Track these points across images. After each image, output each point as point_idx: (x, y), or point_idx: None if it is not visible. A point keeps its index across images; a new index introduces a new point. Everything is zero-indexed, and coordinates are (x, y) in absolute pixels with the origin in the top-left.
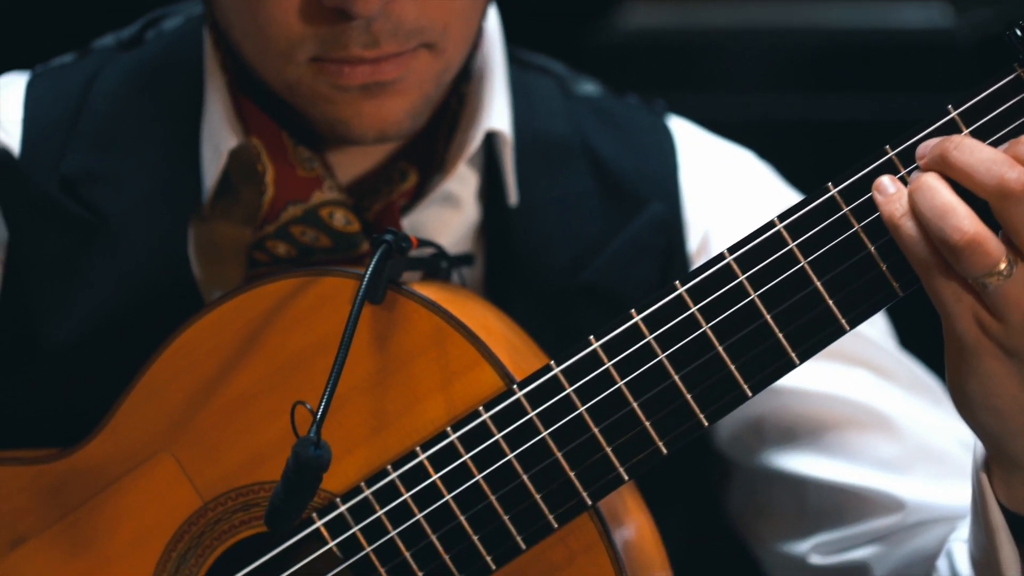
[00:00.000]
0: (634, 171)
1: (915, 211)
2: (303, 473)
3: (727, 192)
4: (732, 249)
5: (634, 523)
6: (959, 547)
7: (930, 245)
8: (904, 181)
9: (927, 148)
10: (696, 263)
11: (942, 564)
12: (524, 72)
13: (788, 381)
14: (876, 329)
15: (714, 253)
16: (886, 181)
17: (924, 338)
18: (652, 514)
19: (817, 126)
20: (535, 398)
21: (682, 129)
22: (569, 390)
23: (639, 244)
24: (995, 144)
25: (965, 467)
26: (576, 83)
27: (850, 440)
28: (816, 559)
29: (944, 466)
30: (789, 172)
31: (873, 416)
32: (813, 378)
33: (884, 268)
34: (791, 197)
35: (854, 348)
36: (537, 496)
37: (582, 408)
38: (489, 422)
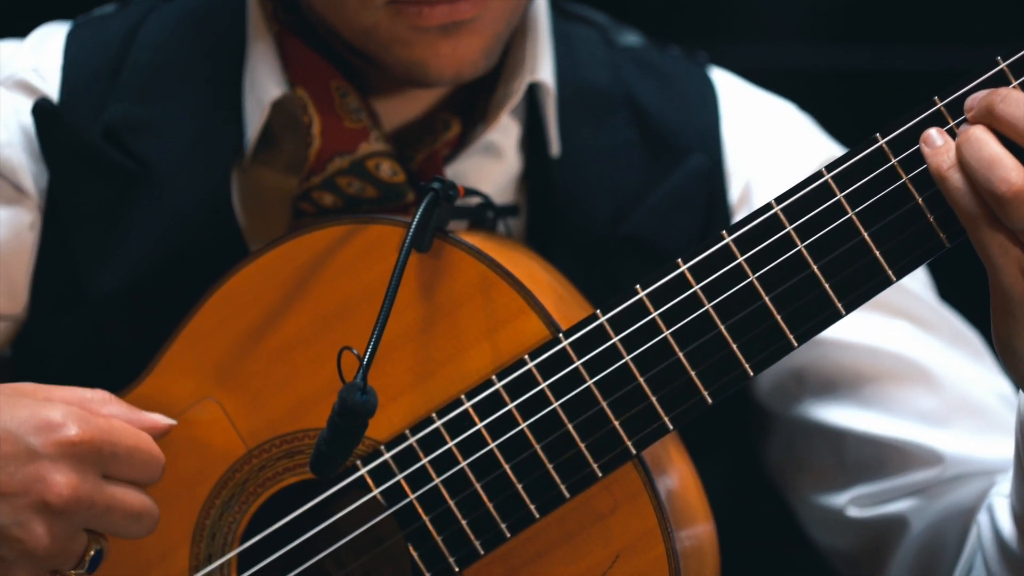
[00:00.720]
0: (676, 122)
1: (962, 163)
2: (349, 418)
3: (768, 143)
4: (779, 199)
5: (677, 473)
6: (1000, 502)
7: (977, 197)
8: (952, 133)
9: (975, 100)
10: (737, 215)
11: (983, 519)
12: (567, 22)
13: (829, 332)
14: (917, 282)
15: (756, 205)
16: (933, 133)
17: (967, 293)
18: (694, 463)
19: (855, 76)
20: (581, 347)
21: (724, 80)
22: (615, 339)
23: (681, 195)
24: None
25: (1005, 421)
26: (618, 34)
27: (889, 392)
28: (854, 512)
29: (984, 420)
30: (828, 123)
31: (913, 368)
32: (854, 330)
33: (931, 219)
34: (832, 148)
35: (896, 300)
36: (581, 445)
37: (627, 357)
38: (534, 370)
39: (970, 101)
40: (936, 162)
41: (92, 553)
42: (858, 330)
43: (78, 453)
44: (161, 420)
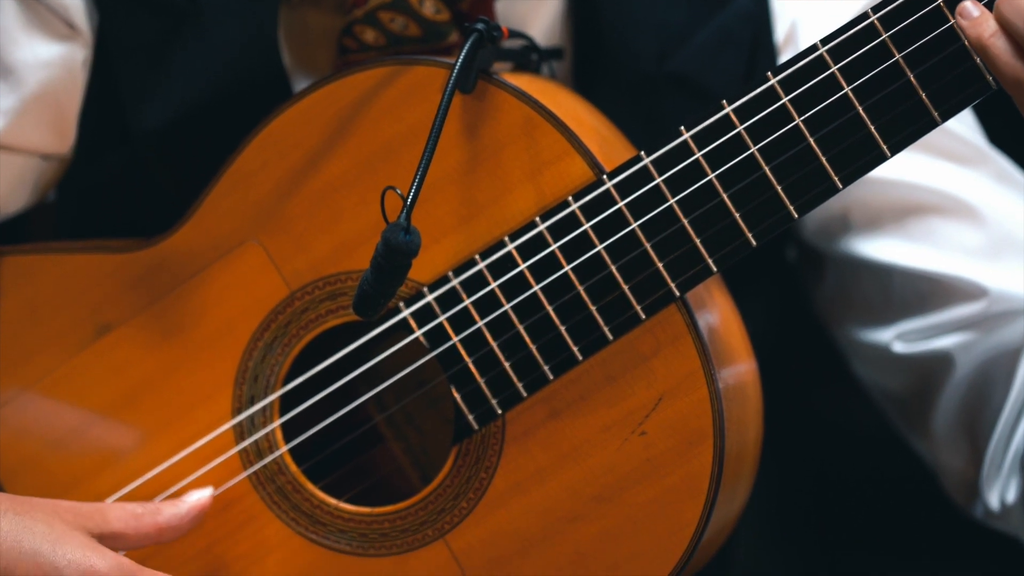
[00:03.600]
0: None
1: (1005, 24)
2: (392, 258)
3: None
4: (825, 40)
5: (720, 314)
6: None
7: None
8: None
9: None
10: (783, 55)
11: None
12: None
13: (875, 171)
14: (964, 124)
15: (801, 45)
16: (969, 5)
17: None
18: (735, 300)
19: None
20: (625, 188)
21: None
22: (659, 180)
23: (726, 34)
24: None
25: None
26: None
27: (934, 227)
28: (899, 348)
29: None
30: None
31: (958, 204)
32: (898, 168)
33: (978, 61)
34: None
35: (941, 141)
36: (625, 287)
37: (672, 200)
38: (578, 212)
39: None
40: (976, 32)
41: None
42: (902, 168)
43: None
44: (202, 499)
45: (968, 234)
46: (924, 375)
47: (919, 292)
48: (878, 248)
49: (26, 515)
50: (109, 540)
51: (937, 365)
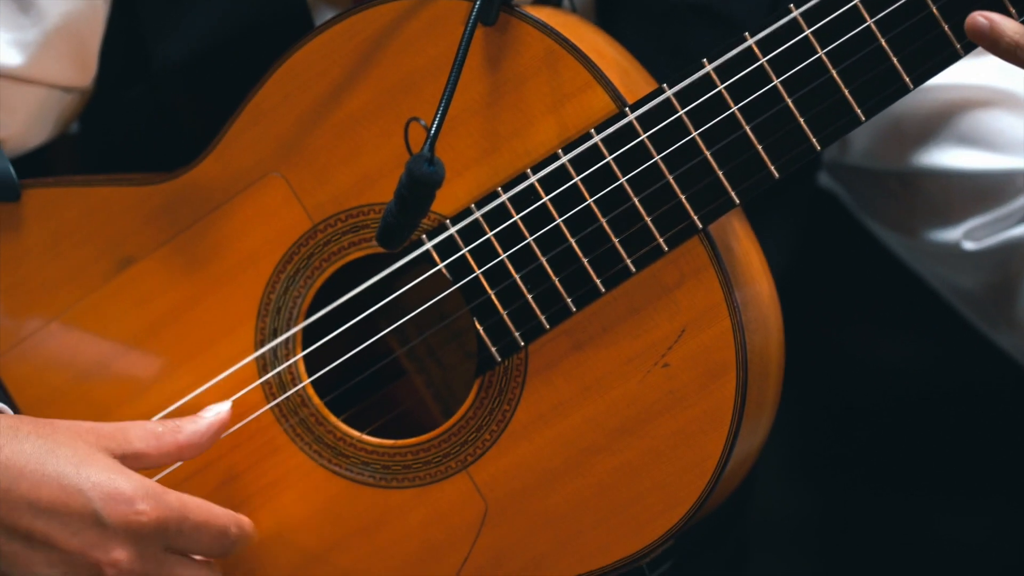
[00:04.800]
0: None
1: None
2: (416, 189)
3: None
4: None
5: (741, 246)
6: None
7: None
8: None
9: None
10: None
11: None
12: None
13: None
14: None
15: None
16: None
17: None
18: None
19: None
20: (647, 121)
21: None
22: (681, 112)
23: None
24: None
25: None
26: None
27: (986, 123)
28: (969, 245)
29: None
30: None
31: (1006, 96)
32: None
33: None
34: None
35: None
36: (647, 219)
37: (694, 132)
38: (600, 144)
39: None
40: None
41: None
42: (945, 72)
43: (143, 532)
44: (221, 414)
45: (1019, 124)
46: (1000, 268)
47: (980, 191)
48: (933, 155)
49: (49, 437)
50: (131, 460)
51: (1012, 255)
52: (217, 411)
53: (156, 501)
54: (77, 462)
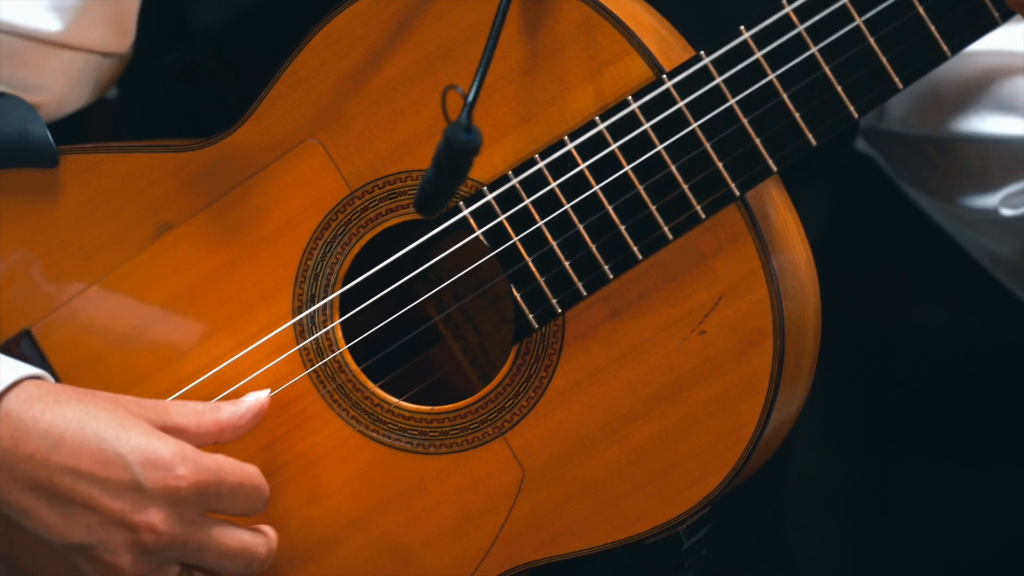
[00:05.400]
0: None
1: None
2: (454, 157)
3: None
4: None
5: (778, 213)
6: None
7: None
8: None
9: None
10: None
11: None
12: None
13: None
14: None
15: None
16: None
17: None
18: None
19: None
20: (684, 88)
21: None
22: (719, 80)
23: None
24: None
25: None
26: None
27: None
28: (1007, 212)
29: None
30: None
31: None
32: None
33: None
34: None
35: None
36: (684, 186)
37: (732, 100)
38: (638, 112)
39: None
40: None
41: None
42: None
43: (181, 496)
44: (260, 400)
45: None
46: None
47: (1019, 157)
48: (972, 122)
49: (90, 403)
50: (171, 432)
51: None
52: (256, 397)
53: (194, 465)
54: (117, 426)
